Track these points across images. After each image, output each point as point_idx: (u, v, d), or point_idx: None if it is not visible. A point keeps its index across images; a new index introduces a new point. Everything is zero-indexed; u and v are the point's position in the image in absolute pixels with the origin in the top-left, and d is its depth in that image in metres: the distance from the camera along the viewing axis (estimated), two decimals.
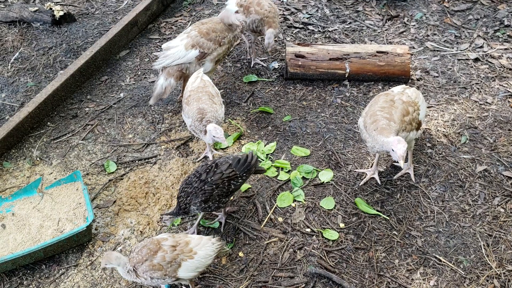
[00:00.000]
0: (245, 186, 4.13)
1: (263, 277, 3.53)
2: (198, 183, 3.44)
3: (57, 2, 6.67)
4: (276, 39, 4.96)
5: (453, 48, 5.67)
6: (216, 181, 3.43)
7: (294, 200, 4.03)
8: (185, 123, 4.78)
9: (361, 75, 5.13)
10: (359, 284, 3.46)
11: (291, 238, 3.76)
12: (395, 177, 4.17)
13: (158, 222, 3.89)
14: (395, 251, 3.67)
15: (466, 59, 5.48)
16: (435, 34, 5.90)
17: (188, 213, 3.55)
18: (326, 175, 4.22)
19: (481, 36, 5.80)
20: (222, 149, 4.53)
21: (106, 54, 5.64)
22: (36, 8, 6.21)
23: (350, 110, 4.88)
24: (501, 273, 3.49)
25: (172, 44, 4.67)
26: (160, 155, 4.50)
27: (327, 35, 5.95)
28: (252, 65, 5.46)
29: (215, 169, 3.47)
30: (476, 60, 5.46)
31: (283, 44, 5.79)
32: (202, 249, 3.14)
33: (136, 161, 4.45)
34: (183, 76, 4.73)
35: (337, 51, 5.11)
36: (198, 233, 3.79)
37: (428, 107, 4.83)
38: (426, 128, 4.61)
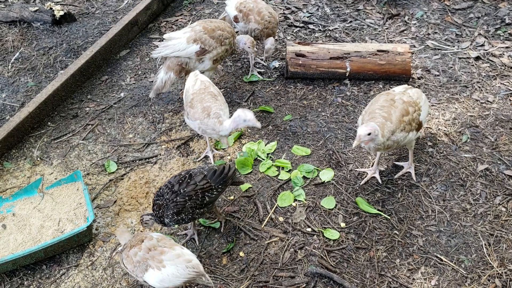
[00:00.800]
0: (245, 186, 4.13)
1: (264, 277, 3.52)
2: (170, 194, 3.32)
3: (57, 2, 6.66)
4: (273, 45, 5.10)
5: (454, 46, 5.65)
6: (189, 193, 3.30)
7: (295, 200, 4.03)
8: (185, 123, 4.78)
9: (362, 74, 5.12)
10: (360, 284, 3.46)
11: (292, 238, 3.75)
12: (396, 176, 4.16)
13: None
14: (396, 250, 3.66)
15: (467, 58, 5.46)
16: (436, 32, 5.89)
17: (165, 225, 3.45)
18: (326, 175, 4.21)
19: (482, 34, 5.78)
20: (223, 149, 4.52)
21: (107, 53, 5.64)
22: (36, 8, 6.21)
23: (351, 109, 4.87)
24: (502, 272, 3.48)
25: (175, 35, 4.65)
26: (160, 154, 4.50)
27: (328, 34, 5.93)
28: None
29: (189, 180, 3.34)
30: (477, 58, 5.44)
31: (283, 43, 5.78)
32: (172, 266, 3.00)
33: (137, 161, 4.45)
34: (183, 71, 4.72)
35: (337, 50, 5.10)
36: (199, 234, 3.79)
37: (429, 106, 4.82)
38: (427, 127, 4.60)
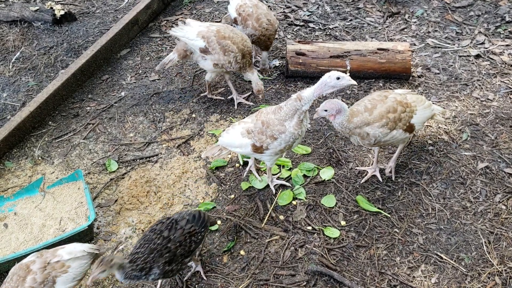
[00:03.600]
0: (246, 184, 4.14)
1: (264, 275, 3.53)
2: (161, 240, 3.06)
3: (57, 1, 6.67)
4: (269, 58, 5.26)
5: (454, 44, 5.65)
6: (179, 238, 3.11)
7: (295, 198, 4.04)
8: (188, 122, 4.79)
9: (362, 73, 5.12)
10: (361, 281, 3.47)
11: (292, 236, 3.76)
12: (389, 173, 4.17)
13: None
14: (396, 248, 3.67)
15: (467, 56, 5.46)
16: (436, 30, 5.89)
17: (148, 275, 3.03)
18: (327, 173, 4.22)
19: (482, 32, 5.78)
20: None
21: (107, 53, 5.64)
22: (37, 8, 6.22)
23: None
24: (502, 270, 3.49)
25: (193, 23, 4.73)
26: (161, 153, 4.51)
27: (328, 33, 5.94)
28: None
29: (176, 226, 3.16)
30: (478, 56, 5.44)
31: (283, 42, 5.79)
32: (75, 262, 3.12)
33: (137, 160, 4.46)
34: (186, 57, 4.80)
35: (337, 48, 5.11)
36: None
37: None
38: (427, 125, 4.60)
